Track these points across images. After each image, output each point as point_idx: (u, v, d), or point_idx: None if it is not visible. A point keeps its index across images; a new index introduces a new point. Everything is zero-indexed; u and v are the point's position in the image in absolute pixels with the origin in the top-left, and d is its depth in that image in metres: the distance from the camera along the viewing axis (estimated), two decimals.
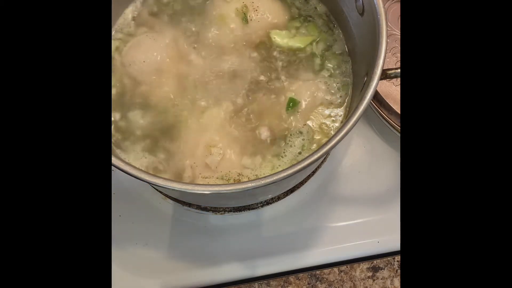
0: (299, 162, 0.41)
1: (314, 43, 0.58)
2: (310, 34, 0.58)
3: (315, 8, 0.60)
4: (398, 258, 0.63)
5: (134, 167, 0.42)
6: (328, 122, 0.55)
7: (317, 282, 0.61)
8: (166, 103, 0.55)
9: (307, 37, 0.58)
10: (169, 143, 0.54)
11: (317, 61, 0.57)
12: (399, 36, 0.65)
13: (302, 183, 0.65)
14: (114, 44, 0.58)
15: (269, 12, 0.58)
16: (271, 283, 0.61)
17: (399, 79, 0.62)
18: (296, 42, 0.57)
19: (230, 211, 0.63)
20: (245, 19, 0.57)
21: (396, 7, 0.66)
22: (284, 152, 0.54)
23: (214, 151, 0.52)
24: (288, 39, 0.57)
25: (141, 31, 0.59)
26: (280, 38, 0.57)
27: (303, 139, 0.54)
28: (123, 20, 0.59)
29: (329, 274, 0.62)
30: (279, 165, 0.53)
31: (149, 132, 0.55)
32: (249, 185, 0.40)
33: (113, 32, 0.59)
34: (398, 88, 0.62)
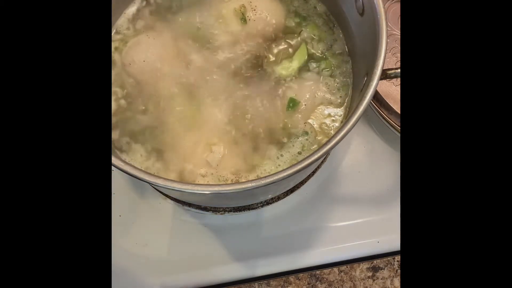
0: (299, 162, 0.41)
1: (314, 44, 0.58)
2: (300, 52, 0.57)
3: (315, 7, 0.60)
4: (398, 258, 0.63)
5: (134, 167, 0.42)
6: (328, 122, 0.55)
7: (317, 282, 0.61)
8: (167, 102, 0.55)
9: (301, 54, 0.57)
10: (169, 142, 0.54)
11: (317, 61, 0.57)
12: (399, 36, 0.65)
13: (302, 183, 0.65)
14: (114, 44, 0.58)
15: (267, 11, 0.58)
16: (271, 283, 0.61)
17: (399, 79, 0.62)
18: (296, 64, 0.57)
19: (230, 211, 0.63)
20: (243, 19, 0.57)
21: (396, 7, 0.66)
22: (284, 152, 0.54)
23: (215, 149, 0.52)
24: (290, 65, 0.57)
25: (141, 30, 0.59)
26: (285, 70, 0.56)
27: (303, 139, 0.54)
28: (123, 20, 0.59)
29: (329, 274, 0.62)
30: (279, 165, 0.53)
31: (149, 131, 0.55)
32: (249, 185, 0.40)
33: (113, 32, 0.59)
34: (398, 88, 0.62)
